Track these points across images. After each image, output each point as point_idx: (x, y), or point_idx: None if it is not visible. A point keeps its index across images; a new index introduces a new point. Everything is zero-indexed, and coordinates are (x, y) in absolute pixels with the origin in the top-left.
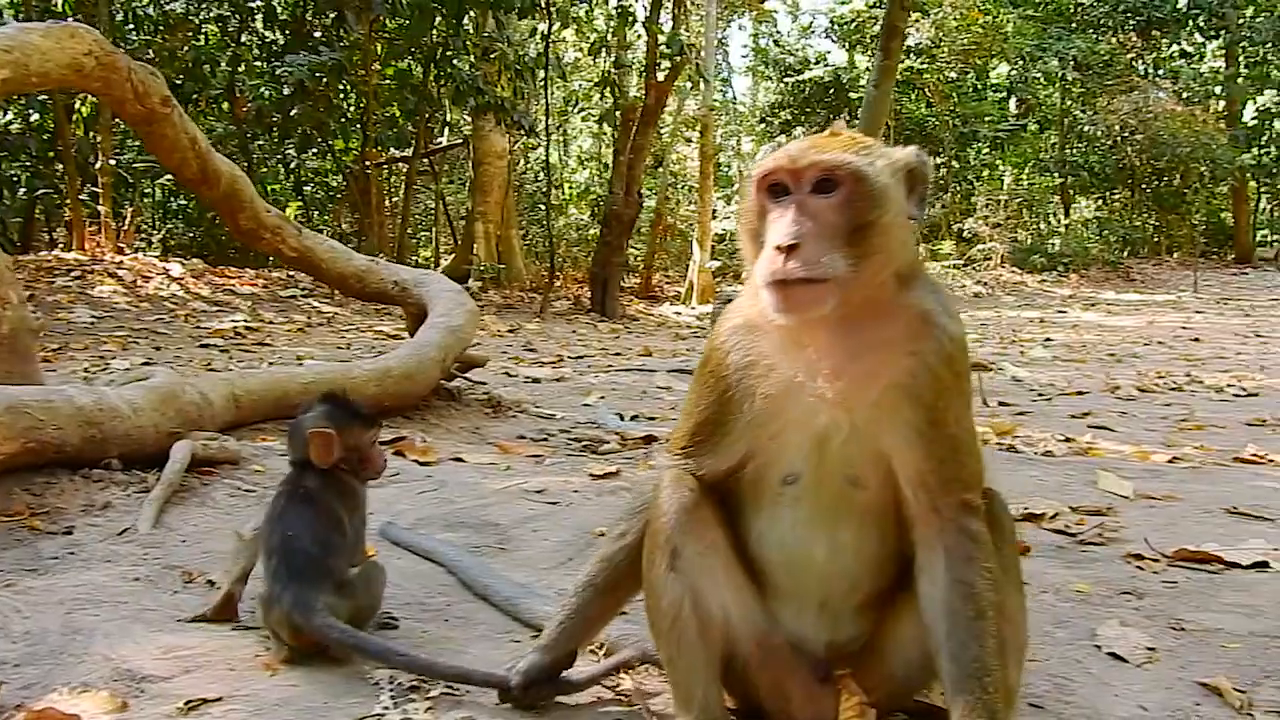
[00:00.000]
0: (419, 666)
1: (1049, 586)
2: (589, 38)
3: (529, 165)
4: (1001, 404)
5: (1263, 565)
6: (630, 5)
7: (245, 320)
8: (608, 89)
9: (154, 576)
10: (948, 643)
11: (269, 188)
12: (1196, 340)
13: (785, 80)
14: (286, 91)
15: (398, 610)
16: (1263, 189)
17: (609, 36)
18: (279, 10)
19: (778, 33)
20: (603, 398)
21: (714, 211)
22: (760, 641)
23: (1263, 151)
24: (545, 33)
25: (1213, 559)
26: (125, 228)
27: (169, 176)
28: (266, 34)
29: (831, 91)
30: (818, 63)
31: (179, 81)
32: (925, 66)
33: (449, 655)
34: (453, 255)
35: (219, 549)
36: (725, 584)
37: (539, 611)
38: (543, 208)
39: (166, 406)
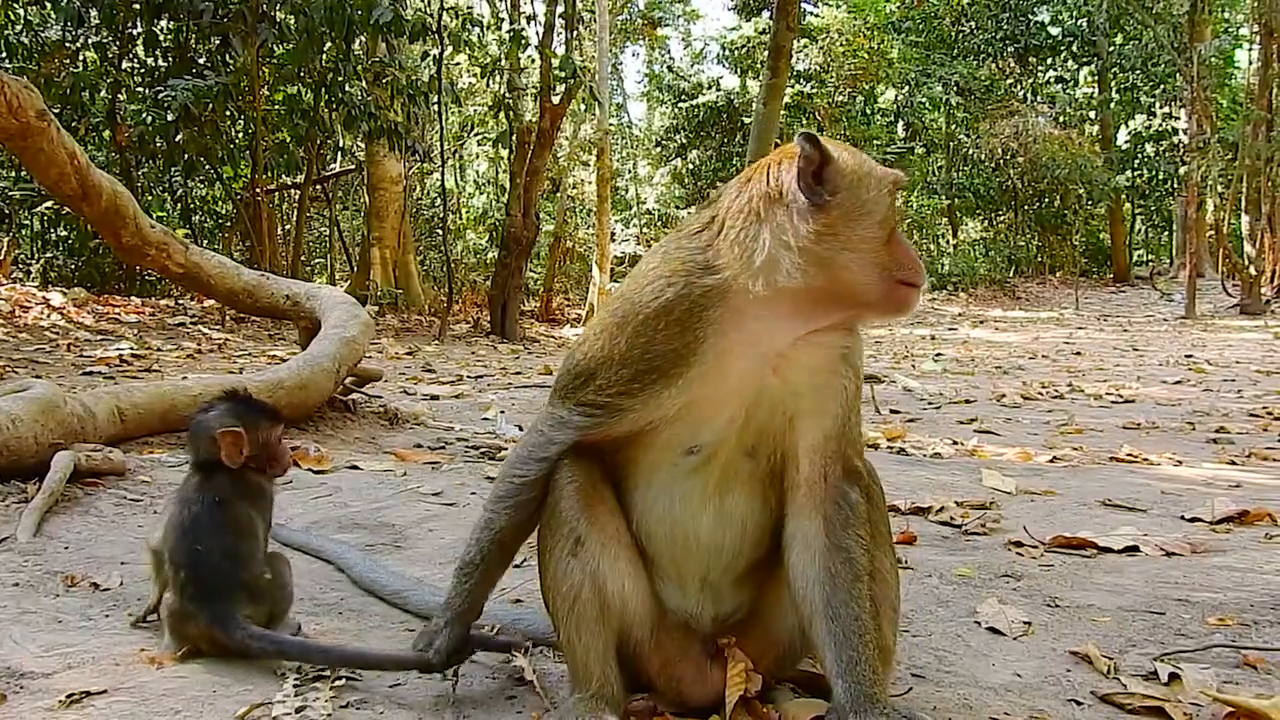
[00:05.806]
0: (346, 658)
1: (933, 571)
2: (482, 61)
3: (425, 190)
4: (893, 411)
5: (1133, 549)
6: (523, 29)
7: (131, 348)
8: (502, 112)
9: (34, 582)
10: (827, 605)
11: (155, 215)
12: (1078, 354)
13: (679, 104)
14: (170, 117)
15: (291, 607)
16: (1137, 210)
17: (502, 60)
18: (161, 36)
19: (671, 59)
20: (502, 412)
21: (612, 234)
22: (655, 624)
23: (1135, 174)
24: (437, 57)
25: (1087, 545)
26: (2, 258)
27: (47, 205)
28: (148, 60)
29: (725, 115)
30: (710, 87)
31: (58, 109)
32: (815, 91)
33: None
34: (349, 281)
35: (104, 555)
36: (624, 569)
37: (428, 602)
38: (440, 232)
39: (47, 418)
